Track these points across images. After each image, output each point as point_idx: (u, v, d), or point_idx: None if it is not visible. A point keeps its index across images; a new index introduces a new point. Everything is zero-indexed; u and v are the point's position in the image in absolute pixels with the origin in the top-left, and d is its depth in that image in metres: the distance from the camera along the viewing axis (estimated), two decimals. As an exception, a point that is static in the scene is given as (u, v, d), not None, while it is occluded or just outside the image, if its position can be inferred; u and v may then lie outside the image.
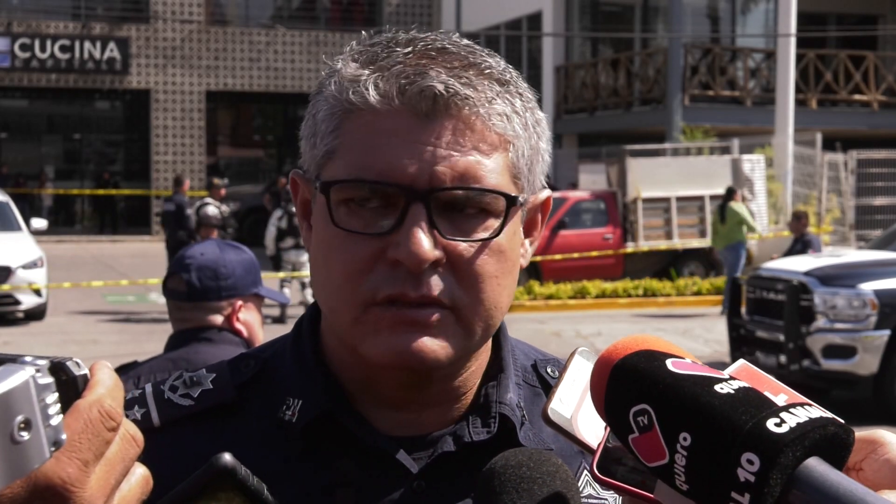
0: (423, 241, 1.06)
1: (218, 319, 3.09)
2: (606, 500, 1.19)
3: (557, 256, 17.86)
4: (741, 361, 0.82)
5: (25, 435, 0.73)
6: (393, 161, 1.07)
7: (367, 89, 1.08)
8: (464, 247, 1.09)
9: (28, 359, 0.75)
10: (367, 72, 1.10)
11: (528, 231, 1.21)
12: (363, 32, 1.19)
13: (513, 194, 1.11)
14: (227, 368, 1.21)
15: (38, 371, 0.75)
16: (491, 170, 1.09)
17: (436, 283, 1.08)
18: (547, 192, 1.21)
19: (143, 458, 0.85)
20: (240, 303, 3.10)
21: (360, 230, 1.09)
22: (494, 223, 1.10)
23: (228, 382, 1.19)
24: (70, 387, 0.78)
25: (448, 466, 1.14)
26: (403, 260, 1.07)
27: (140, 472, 0.83)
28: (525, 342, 1.30)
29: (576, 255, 17.97)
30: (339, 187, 1.09)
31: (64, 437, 0.76)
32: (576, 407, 0.93)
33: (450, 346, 1.10)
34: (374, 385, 1.15)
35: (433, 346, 1.09)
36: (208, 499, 1.02)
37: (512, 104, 1.11)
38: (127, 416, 0.82)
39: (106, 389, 0.80)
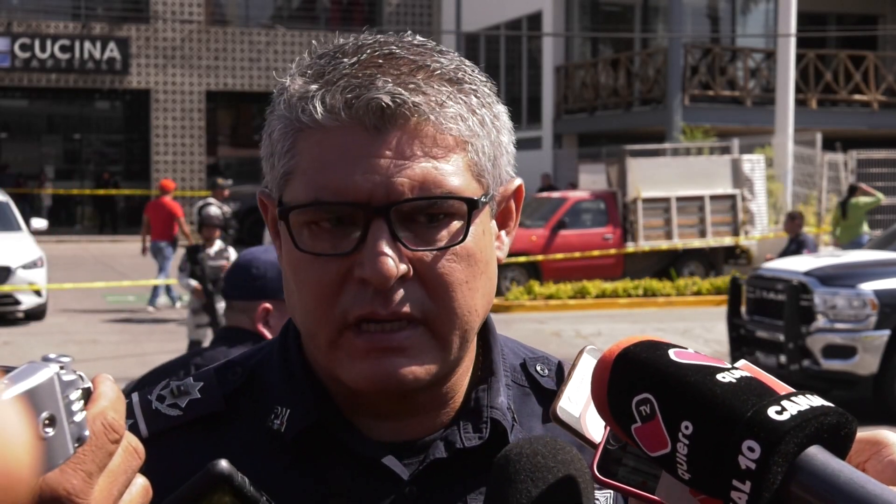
0: (388, 258, 1.04)
1: (244, 320, 3.06)
2: (598, 500, 1.18)
3: (558, 256, 17.85)
4: (742, 361, 0.82)
5: (50, 431, 0.73)
6: (347, 179, 1.05)
7: (314, 107, 1.06)
8: (430, 256, 1.07)
9: (52, 356, 0.76)
10: (314, 87, 1.08)
11: (504, 222, 1.19)
12: (314, 43, 1.16)
13: (474, 197, 1.08)
14: (214, 377, 1.20)
15: (62, 368, 0.75)
16: (450, 173, 1.07)
17: (405, 298, 1.07)
18: (518, 181, 1.18)
19: None
20: (267, 305, 3.04)
21: (324, 252, 1.07)
22: (458, 227, 1.08)
23: (216, 392, 1.18)
24: None
25: (439, 472, 1.13)
26: (369, 278, 1.05)
27: (140, 483, 0.84)
28: (513, 339, 1.28)
29: (576, 255, 17.96)
30: (299, 211, 1.08)
31: (87, 433, 0.76)
32: (584, 406, 0.92)
33: (428, 365, 1.09)
34: (360, 397, 1.14)
35: (411, 368, 1.08)
36: None
37: (466, 103, 1.09)
38: None
39: (108, 402, 0.80)
